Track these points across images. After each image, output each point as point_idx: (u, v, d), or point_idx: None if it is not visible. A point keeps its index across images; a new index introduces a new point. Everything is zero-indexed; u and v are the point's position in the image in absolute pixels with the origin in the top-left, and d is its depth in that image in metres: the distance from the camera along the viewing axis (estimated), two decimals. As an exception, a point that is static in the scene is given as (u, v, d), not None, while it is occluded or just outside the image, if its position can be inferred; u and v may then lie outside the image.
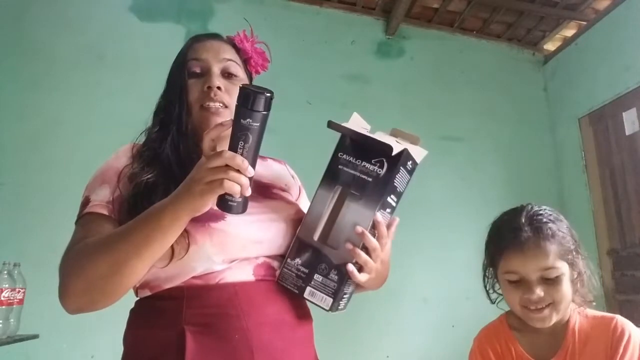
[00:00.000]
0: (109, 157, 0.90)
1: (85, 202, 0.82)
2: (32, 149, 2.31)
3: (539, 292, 0.97)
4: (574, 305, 1.02)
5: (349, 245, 0.76)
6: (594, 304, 1.04)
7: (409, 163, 0.80)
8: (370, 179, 0.78)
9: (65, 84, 2.44)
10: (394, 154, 0.75)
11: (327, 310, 0.79)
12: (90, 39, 2.55)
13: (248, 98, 0.66)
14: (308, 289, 0.79)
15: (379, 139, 0.78)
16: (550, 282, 0.97)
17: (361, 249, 0.76)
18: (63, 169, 2.26)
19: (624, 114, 2.67)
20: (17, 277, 1.73)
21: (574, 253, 1.01)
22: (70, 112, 2.41)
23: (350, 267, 0.76)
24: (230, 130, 0.68)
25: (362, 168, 0.79)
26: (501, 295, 1.09)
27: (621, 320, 0.97)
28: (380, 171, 0.78)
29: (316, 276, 0.79)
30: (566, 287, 0.98)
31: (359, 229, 0.76)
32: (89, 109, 2.43)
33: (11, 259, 1.75)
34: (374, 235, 0.77)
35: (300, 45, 2.87)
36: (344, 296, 0.80)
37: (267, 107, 0.67)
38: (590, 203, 2.86)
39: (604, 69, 2.81)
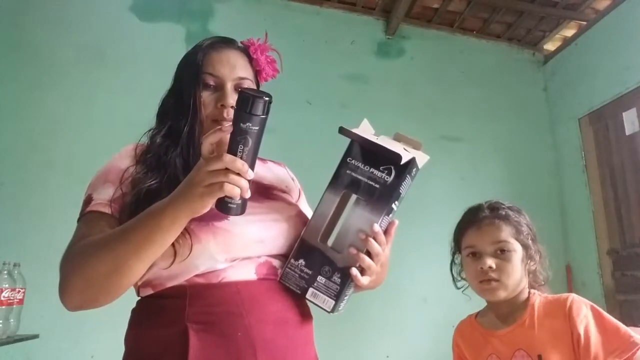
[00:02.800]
0: (111, 156, 0.90)
1: (88, 200, 0.83)
2: (32, 148, 2.32)
3: (490, 262, 1.08)
4: (534, 290, 1.12)
5: (353, 250, 0.78)
6: (543, 285, 1.15)
7: (414, 170, 0.81)
8: (377, 186, 0.79)
9: (65, 83, 2.45)
10: (402, 162, 0.76)
11: (329, 312, 0.80)
12: (91, 38, 2.55)
13: (247, 102, 0.67)
14: (310, 290, 0.80)
15: (387, 145, 0.78)
16: (502, 256, 1.09)
17: (364, 253, 0.78)
18: (63, 169, 2.27)
19: (624, 114, 2.68)
20: (17, 277, 1.73)
21: (529, 240, 1.12)
22: (70, 111, 2.41)
23: (354, 271, 0.77)
24: (228, 135, 0.69)
25: (370, 174, 0.80)
26: (467, 284, 1.19)
27: (577, 297, 1.06)
28: (388, 178, 0.79)
29: (319, 278, 0.80)
30: (516, 265, 1.09)
31: (364, 235, 0.77)
32: (89, 108, 2.44)
33: (11, 259, 1.75)
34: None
35: (300, 45, 2.87)
36: (345, 298, 0.81)
37: (266, 111, 0.68)
38: (590, 203, 2.86)
39: (604, 69, 2.81)
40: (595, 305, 1.03)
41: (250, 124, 0.67)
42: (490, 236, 1.11)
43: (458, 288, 1.22)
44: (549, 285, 1.16)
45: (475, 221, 1.15)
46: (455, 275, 1.23)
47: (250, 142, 0.68)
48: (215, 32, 1.03)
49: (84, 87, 2.46)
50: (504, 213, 1.14)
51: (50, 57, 2.46)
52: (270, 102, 0.68)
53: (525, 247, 1.11)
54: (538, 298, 1.09)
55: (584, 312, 1.01)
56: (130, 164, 0.86)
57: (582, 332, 0.98)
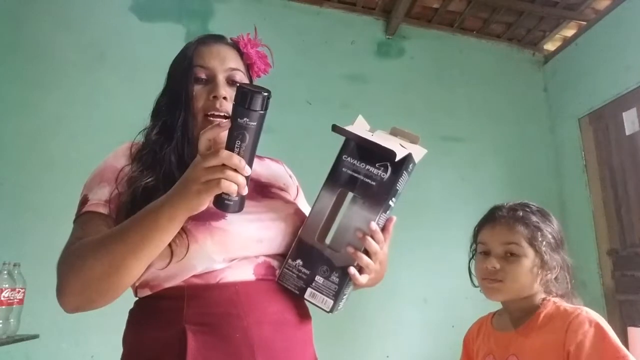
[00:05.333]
0: (107, 156, 0.90)
1: (84, 200, 0.82)
2: (32, 148, 2.31)
3: (495, 263, 1.06)
4: (553, 298, 1.07)
5: (351, 249, 0.77)
6: (566, 300, 1.08)
7: (411, 165, 0.80)
8: (374, 183, 0.78)
9: (65, 83, 2.44)
10: (398, 159, 0.75)
11: (327, 312, 0.79)
12: (91, 38, 2.55)
13: (245, 97, 0.65)
14: (309, 290, 0.80)
15: (381, 142, 0.77)
16: (511, 259, 1.06)
17: (362, 252, 0.77)
18: (63, 169, 2.26)
19: (624, 114, 2.67)
20: (17, 277, 1.73)
21: (545, 247, 1.06)
22: (70, 111, 2.41)
23: (352, 270, 0.77)
24: (227, 131, 0.68)
25: (366, 172, 0.79)
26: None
27: (585, 313, 1.00)
28: (384, 175, 0.78)
29: (317, 278, 0.79)
30: (523, 270, 1.05)
31: (361, 233, 0.77)
32: (89, 108, 2.43)
33: (11, 259, 1.75)
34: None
35: (300, 45, 2.87)
36: (344, 297, 0.81)
37: (265, 107, 0.67)
38: (590, 203, 2.86)
39: (604, 69, 2.81)
40: (602, 325, 0.97)
41: (248, 120, 0.66)
42: (502, 236, 1.08)
43: (475, 286, 1.17)
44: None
45: (491, 219, 1.13)
46: (473, 271, 1.19)
47: (248, 138, 0.66)
48: (215, 32, 1.03)
49: (84, 87, 2.46)
50: (521, 214, 1.09)
51: (51, 57, 2.45)
52: (269, 97, 0.67)
53: (539, 253, 1.05)
54: (551, 307, 1.05)
55: (584, 329, 0.96)
56: (125, 163, 0.85)
57: (573, 348, 0.94)
